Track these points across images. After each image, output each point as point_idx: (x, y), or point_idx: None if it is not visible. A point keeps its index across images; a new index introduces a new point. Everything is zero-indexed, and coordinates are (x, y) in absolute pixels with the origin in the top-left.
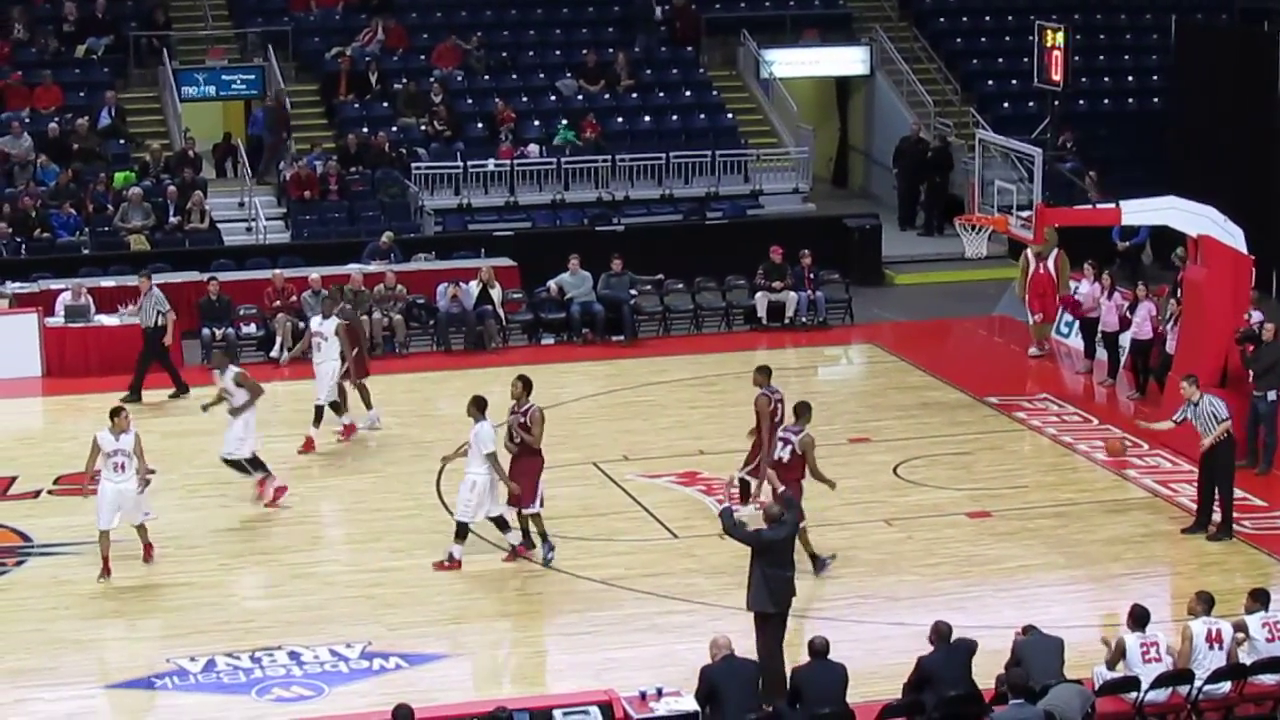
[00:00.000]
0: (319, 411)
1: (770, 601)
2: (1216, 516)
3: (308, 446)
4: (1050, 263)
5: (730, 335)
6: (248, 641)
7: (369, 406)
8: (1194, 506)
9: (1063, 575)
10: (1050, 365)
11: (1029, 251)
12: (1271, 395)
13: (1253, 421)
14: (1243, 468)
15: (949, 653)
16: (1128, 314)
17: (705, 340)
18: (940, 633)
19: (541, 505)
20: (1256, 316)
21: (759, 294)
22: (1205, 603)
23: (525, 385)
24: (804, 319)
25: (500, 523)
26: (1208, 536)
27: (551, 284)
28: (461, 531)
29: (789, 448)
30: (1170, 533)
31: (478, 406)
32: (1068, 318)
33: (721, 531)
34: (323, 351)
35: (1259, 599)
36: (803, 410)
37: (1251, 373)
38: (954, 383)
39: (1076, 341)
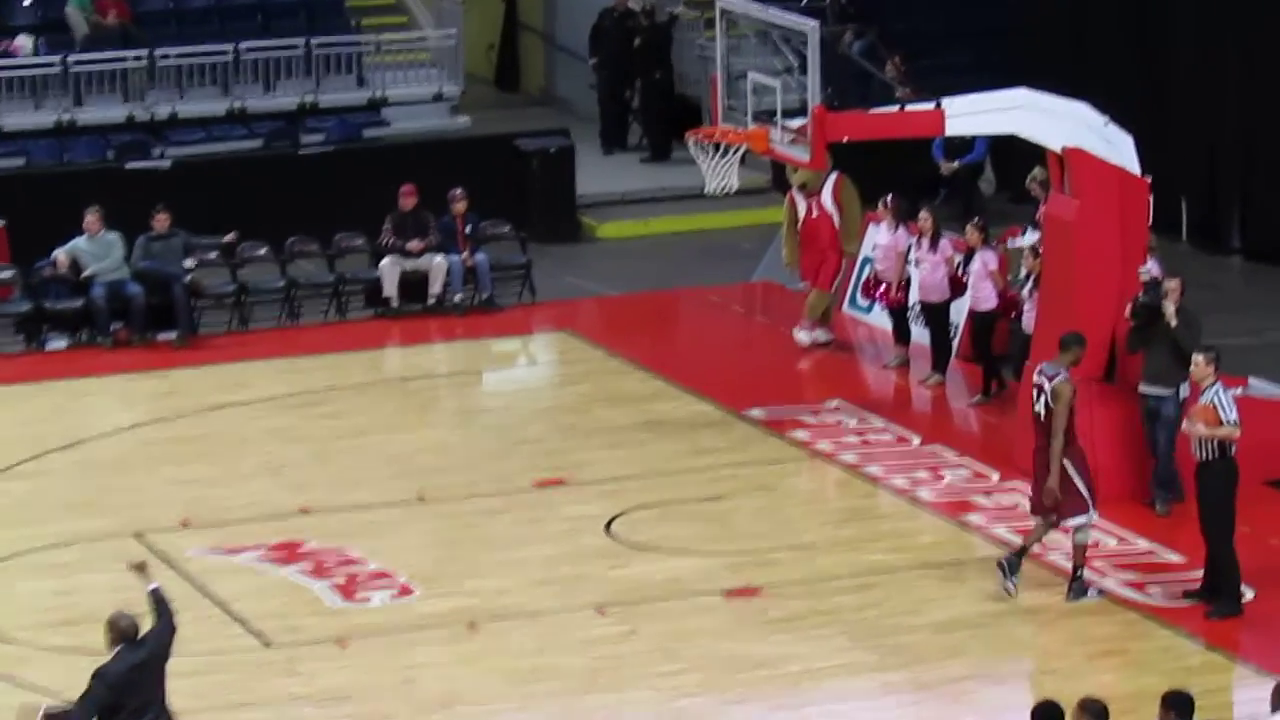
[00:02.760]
0: None
1: None
2: None
3: None
4: (827, 197)
5: (344, 326)
6: None
7: None
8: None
9: (873, 682)
10: (844, 357)
11: (794, 188)
12: (1185, 391)
13: (1149, 435)
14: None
15: None
16: (960, 273)
17: (305, 335)
18: None
19: None
20: (1154, 269)
21: (386, 260)
22: (1094, 716)
23: None
24: (458, 297)
25: None
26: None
27: (60, 254)
28: None
29: (1043, 397)
30: (1038, 608)
31: None
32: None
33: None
34: None
35: (1175, 707)
36: (1070, 343)
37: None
38: (695, 389)
39: (882, 320)
